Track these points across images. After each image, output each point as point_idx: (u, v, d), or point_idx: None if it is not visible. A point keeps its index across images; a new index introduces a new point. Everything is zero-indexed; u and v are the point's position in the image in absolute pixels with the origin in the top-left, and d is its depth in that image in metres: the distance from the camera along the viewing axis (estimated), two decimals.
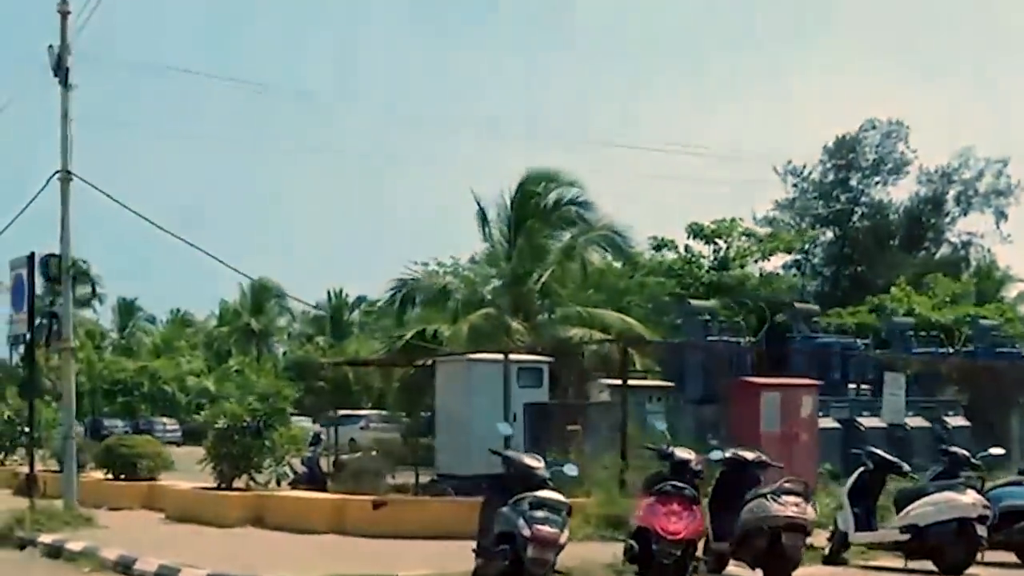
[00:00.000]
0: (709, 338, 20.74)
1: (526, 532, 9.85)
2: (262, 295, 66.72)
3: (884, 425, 20.63)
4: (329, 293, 73.04)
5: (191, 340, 69.60)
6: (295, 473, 19.00)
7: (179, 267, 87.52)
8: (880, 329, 26.51)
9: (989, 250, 63.50)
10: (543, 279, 33.25)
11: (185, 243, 18.92)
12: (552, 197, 34.70)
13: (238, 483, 18.13)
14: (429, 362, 30.53)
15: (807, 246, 40.43)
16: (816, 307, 28.34)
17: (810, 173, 65.53)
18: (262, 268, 79.31)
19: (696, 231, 37.92)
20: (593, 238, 34.30)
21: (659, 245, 37.79)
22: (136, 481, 20.38)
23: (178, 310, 74.86)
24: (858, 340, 22.39)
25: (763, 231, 41.69)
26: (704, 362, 20.80)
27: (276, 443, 17.63)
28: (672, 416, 20.02)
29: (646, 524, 10.96)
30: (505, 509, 10.23)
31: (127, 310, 74.89)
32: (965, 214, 64.58)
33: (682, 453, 11.90)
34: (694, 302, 25.54)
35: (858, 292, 52.43)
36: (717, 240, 38.16)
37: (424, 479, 21.46)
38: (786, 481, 11.63)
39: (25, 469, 23.75)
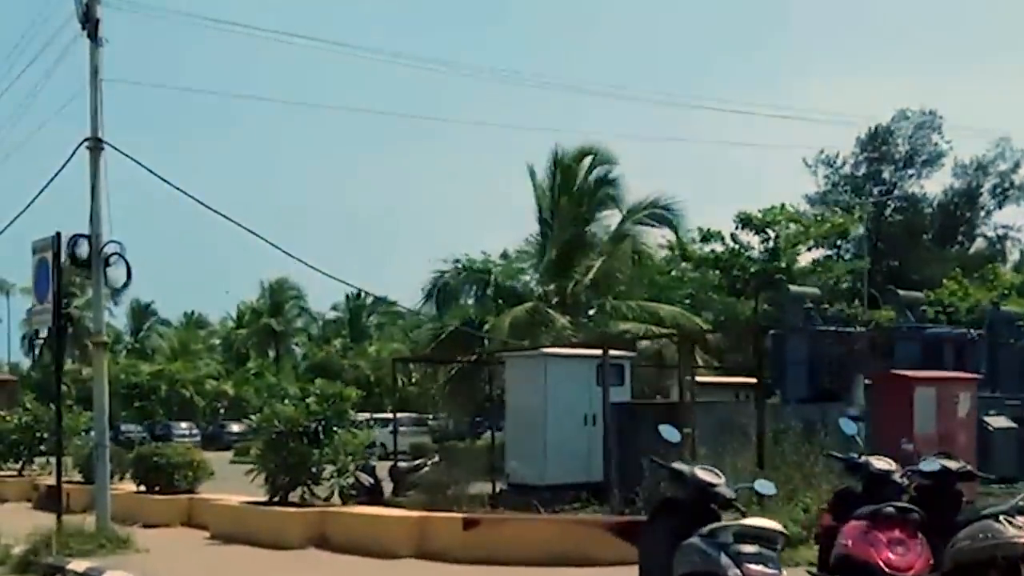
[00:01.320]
0: (816, 328, 18.22)
1: (733, 575, 7.31)
2: (280, 295, 64.39)
3: None
4: (347, 296, 70.68)
5: (207, 342, 67.15)
6: (361, 485, 16.46)
7: (218, 255, 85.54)
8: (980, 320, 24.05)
9: None
10: (593, 270, 30.85)
11: (235, 223, 16.14)
12: (593, 176, 32.30)
13: (293, 497, 15.64)
14: (480, 357, 28.17)
15: (848, 236, 37.75)
16: (920, 294, 25.73)
17: (842, 165, 63.24)
18: (278, 267, 77.06)
19: (744, 220, 35.33)
20: (640, 217, 31.93)
21: (706, 236, 35.17)
22: (174, 495, 17.84)
23: (192, 312, 72.44)
24: (971, 330, 19.83)
25: (810, 215, 38.92)
26: (810, 354, 18.26)
27: (338, 450, 15.09)
28: (771, 418, 17.53)
29: (862, 556, 8.39)
30: (696, 541, 7.64)
31: (141, 313, 72.50)
32: (1000, 207, 62.20)
33: (880, 463, 9.36)
34: (795, 287, 22.93)
35: (892, 287, 50.08)
36: (766, 229, 35.56)
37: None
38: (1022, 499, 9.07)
39: (45, 480, 21.42)
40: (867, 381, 17.30)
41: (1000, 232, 61.94)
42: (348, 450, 15.15)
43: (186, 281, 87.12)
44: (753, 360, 34.25)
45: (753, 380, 22.94)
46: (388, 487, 19.17)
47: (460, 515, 13.49)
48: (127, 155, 15.11)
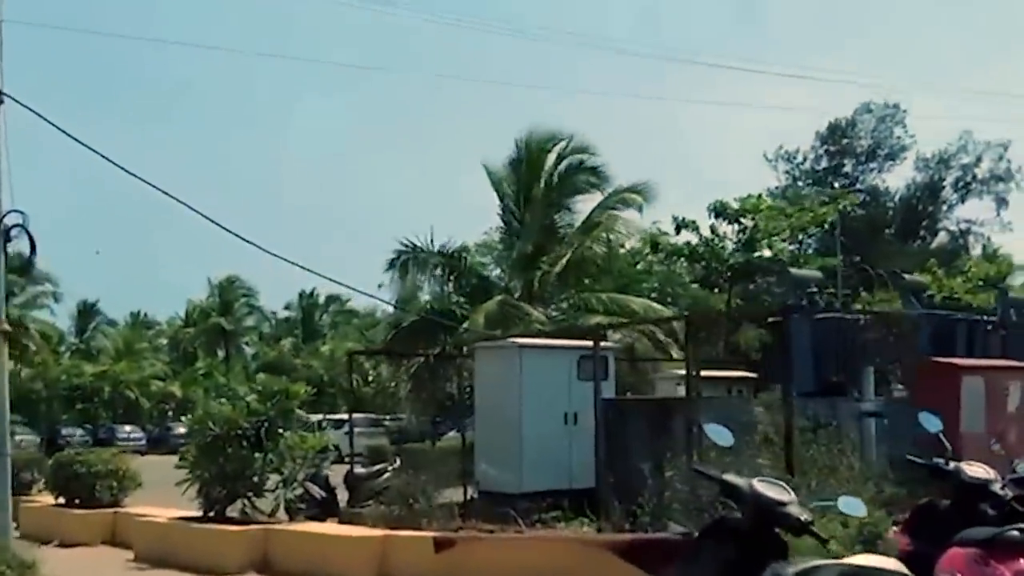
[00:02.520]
0: (821, 315, 16.10)
1: None
2: (230, 293, 61.60)
3: None
4: (300, 294, 68.06)
5: (154, 342, 64.15)
6: (312, 498, 14.10)
7: (166, 252, 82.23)
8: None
9: (989, 238, 59.64)
10: (563, 261, 28.62)
11: (187, 206, 13.89)
12: (563, 164, 30.14)
13: (232, 511, 13.28)
14: (444, 350, 25.84)
15: (825, 223, 35.80)
16: (924, 279, 23.83)
17: (803, 160, 61.72)
18: (228, 265, 74.28)
19: (719, 210, 33.35)
20: (611, 203, 29.72)
21: (680, 225, 33.12)
22: (96, 508, 15.34)
23: (138, 312, 69.34)
24: (983, 316, 17.92)
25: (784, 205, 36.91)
26: (815, 343, 16.13)
27: (284, 456, 12.74)
28: (774, 414, 15.39)
29: None
30: None
31: (87, 313, 69.30)
32: (963, 201, 60.86)
33: (975, 470, 7.20)
34: (795, 271, 20.90)
35: (855, 282, 48.36)
36: (742, 219, 33.60)
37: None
38: None
39: None
40: (896, 370, 15.38)
41: (963, 226, 60.60)
42: (296, 455, 12.77)
43: (132, 280, 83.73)
44: (726, 354, 32.65)
45: (747, 374, 20.98)
46: (344, 496, 16.87)
47: (429, 534, 11.17)
48: (37, 113, 12.68)
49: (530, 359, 16.40)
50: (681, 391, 18.43)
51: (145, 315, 70.85)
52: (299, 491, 13.26)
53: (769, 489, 6.07)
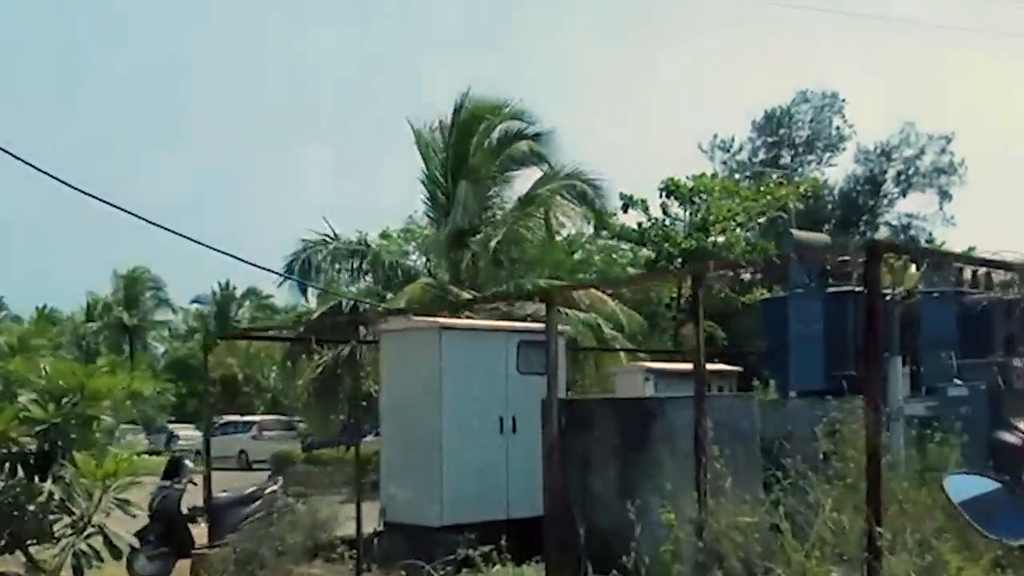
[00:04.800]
0: (833, 289, 11.94)
1: None
2: (135, 287, 56.02)
3: None
4: (215, 287, 62.63)
5: (56, 339, 58.28)
6: (151, 539, 9.52)
7: (73, 243, 76.31)
8: None
9: (931, 233, 56.52)
10: (495, 240, 24.19)
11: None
12: (496, 133, 25.82)
13: (8, 566, 8.66)
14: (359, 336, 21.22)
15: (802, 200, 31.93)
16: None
17: (739, 150, 58.16)
18: (134, 255, 68.61)
19: (670, 189, 29.17)
20: (557, 188, 25.39)
21: (628, 204, 28.86)
22: None
23: (44, 306, 63.25)
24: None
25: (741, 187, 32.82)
26: (826, 328, 11.96)
27: (72, 487, 8.13)
28: (770, 417, 11.17)
29: None
30: None
31: None
32: (904, 195, 57.69)
33: None
34: (800, 233, 16.61)
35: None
36: (695, 200, 29.48)
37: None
38: None
39: None
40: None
41: (904, 221, 57.44)
42: (92, 486, 8.13)
43: (39, 273, 77.54)
44: (672, 345, 28.51)
45: (726, 367, 16.73)
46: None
47: None
48: None
49: (454, 345, 11.88)
50: (650, 389, 14.12)
51: (52, 310, 64.83)
52: (99, 537, 8.55)
53: None
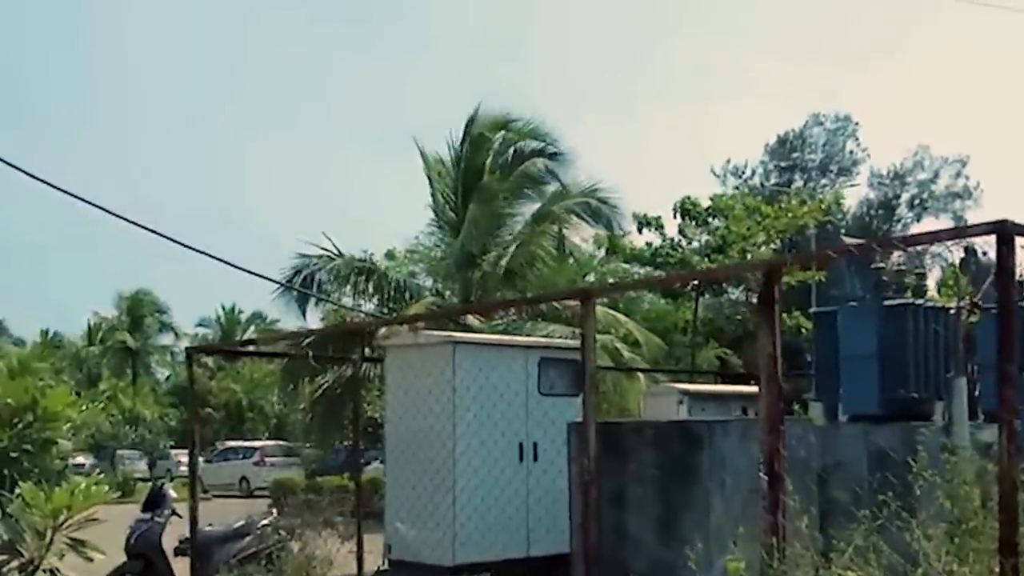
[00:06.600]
0: (891, 302, 10.64)
1: None
2: (139, 309, 54.67)
3: None
4: (219, 310, 61.30)
5: (58, 363, 57.01)
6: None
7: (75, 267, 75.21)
8: None
9: (946, 259, 55.11)
10: (507, 258, 22.84)
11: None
12: (510, 151, 24.55)
13: None
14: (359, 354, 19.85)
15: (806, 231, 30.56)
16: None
17: (752, 174, 56.96)
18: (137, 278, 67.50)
19: (686, 209, 27.81)
20: (571, 206, 24.07)
21: (643, 223, 27.50)
22: None
23: (47, 330, 62.06)
24: None
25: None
26: (882, 344, 10.63)
27: (19, 523, 6.82)
28: (801, 447, 9.75)
29: None
30: None
31: None
32: (919, 219, 56.32)
33: None
34: (849, 238, 15.38)
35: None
36: (710, 220, 28.13)
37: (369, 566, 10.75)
38: None
39: None
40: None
41: (920, 247, 55.96)
42: (41, 525, 6.80)
43: (40, 296, 76.59)
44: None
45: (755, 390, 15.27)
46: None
47: None
48: None
49: (468, 362, 10.51)
50: (683, 412, 12.75)
51: (55, 333, 63.62)
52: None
53: None
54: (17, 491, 6.88)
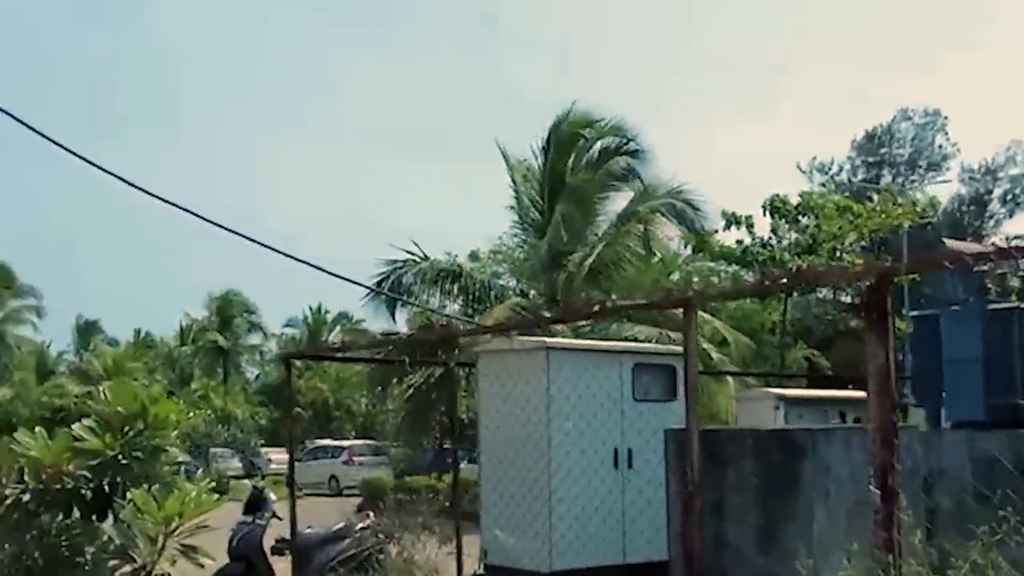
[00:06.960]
0: (995, 306, 10.37)
1: None
2: (228, 309, 55.73)
3: None
4: (306, 311, 62.17)
5: (151, 363, 58.44)
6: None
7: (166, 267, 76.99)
8: None
9: None
10: (591, 258, 22.72)
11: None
12: (596, 148, 24.47)
13: None
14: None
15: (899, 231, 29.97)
16: None
17: (839, 171, 55.89)
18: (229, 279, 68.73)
19: (776, 206, 27.33)
20: (656, 206, 23.86)
21: (731, 221, 27.08)
22: None
23: (139, 330, 63.63)
24: None
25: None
26: (988, 349, 10.36)
27: (131, 530, 6.95)
28: (908, 456, 9.45)
29: None
30: None
31: (86, 331, 63.77)
32: (1011, 215, 54.80)
33: None
34: (953, 243, 15.06)
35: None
36: (801, 218, 27.61)
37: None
38: None
39: None
40: None
41: (1013, 243, 54.30)
42: (155, 532, 6.92)
43: (133, 297, 78.50)
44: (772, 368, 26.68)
45: (852, 394, 14.95)
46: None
47: None
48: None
49: (563, 368, 10.46)
50: (780, 418, 12.54)
51: (147, 333, 65.19)
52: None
53: None
54: (128, 497, 7.00)
